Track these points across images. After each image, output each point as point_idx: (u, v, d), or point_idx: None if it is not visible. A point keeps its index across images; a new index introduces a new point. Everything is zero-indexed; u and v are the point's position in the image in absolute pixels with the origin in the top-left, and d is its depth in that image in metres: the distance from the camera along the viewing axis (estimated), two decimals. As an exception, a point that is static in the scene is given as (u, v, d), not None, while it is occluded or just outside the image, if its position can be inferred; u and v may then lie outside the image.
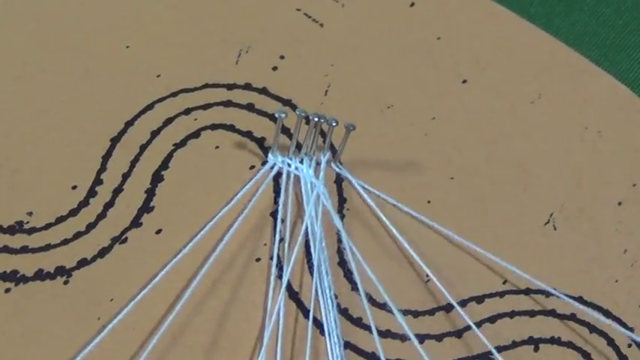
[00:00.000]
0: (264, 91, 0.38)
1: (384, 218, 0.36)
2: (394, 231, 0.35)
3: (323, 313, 0.33)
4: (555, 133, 0.39)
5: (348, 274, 0.35)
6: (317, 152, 0.36)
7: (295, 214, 0.35)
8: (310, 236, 0.34)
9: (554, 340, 0.35)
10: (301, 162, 0.36)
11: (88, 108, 0.36)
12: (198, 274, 0.33)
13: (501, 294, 0.36)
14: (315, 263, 0.34)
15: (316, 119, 0.35)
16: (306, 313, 0.34)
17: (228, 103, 0.37)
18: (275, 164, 0.36)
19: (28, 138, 0.35)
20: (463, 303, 0.35)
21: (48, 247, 0.33)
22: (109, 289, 0.33)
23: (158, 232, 0.34)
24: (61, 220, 0.34)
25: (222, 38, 0.38)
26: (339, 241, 0.35)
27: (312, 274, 0.34)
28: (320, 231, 0.34)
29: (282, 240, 0.35)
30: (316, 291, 0.33)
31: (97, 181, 0.35)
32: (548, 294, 0.36)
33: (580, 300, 0.36)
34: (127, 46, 0.38)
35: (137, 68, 0.37)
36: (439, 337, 0.35)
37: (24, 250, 0.33)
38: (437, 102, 0.39)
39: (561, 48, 0.41)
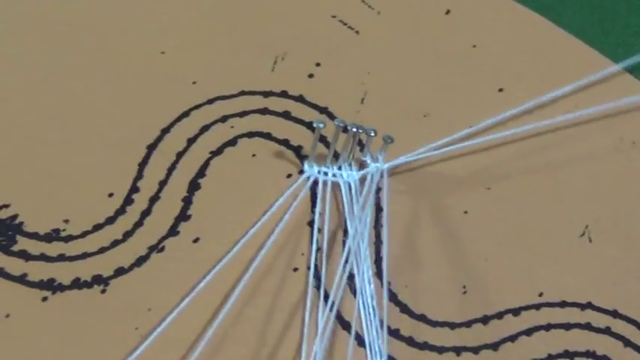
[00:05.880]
0: (300, 99, 0.37)
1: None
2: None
3: (364, 324, 0.33)
4: (590, 144, 0.39)
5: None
6: (354, 161, 0.36)
7: (333, 222, 0.35)
8: (352, 244, 0.34)
9: (589, 354, 0.35)
10: (339, 169, 0.36)
11: (124, 115, 0.36)
12: (236, 283, 0.33)
13: (537, 306, 0.35)
14: (361, 272, 0.34)
15: (354, 129, 0.34)
16: (344, 324, 0.33)
17: (264, 111, 0.37)
18: (311, 174, 0.36)
19: (65, 145, 0.35)
20: (499, 315, 0.35)
21: (85, 256, 0.33)
22: (147, 299, 0.33)
23: (195, 240, 0.34)
24: (97, 227, 0.34)
25: (258, 45, 0.38)
26: (377, 251, 0.35)
27: (349, 284, 0.34)
28: (366, 239, 0.34)
29: (319, 249, 0.34)
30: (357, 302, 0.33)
31: (134, 188, 0.34)
32: (583, 307, 0.36)
33: (614, 313, 0.36)
34: (163, 52, 0.37)
35: (173, 75, 0.37)
36: (476, 350, 0.34)
37: (61, 258, 0.33)
38: (473, 110, 0.39)
39: (597, 57, 0.41)
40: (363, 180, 0.36)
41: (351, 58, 0.39)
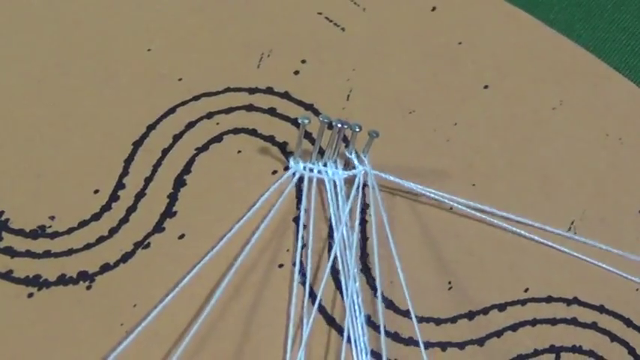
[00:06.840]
0: (286, 96, 0.37)
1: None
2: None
3: (348, 321, 0.33)
4: (577, 140, 0.39)
5: (371, 281, 0.35)
6: (339, 158, 0.36)
7: (319, 219, 0.35)
8: (337, 240, 0.34)
9: (575, 349, 0.35)
10: (324, 166, 0.36)
11: (110, 112, 0.36)
12: (221, 279, 0.33)
13: (523, 302, 0.36)
14: (347, 269, 0.34)
15: (339, 125, 0.34)
16: (329, 320, 0.34)
17: (250, 107, 0.37)
18: (297, 170, 0.36)
19: (51, 142, 0.35)
20: (485, 311, 0.35)
21: (70, 252, 0.33)
22: (132, 295, 0.33)
23: (181, 237, 0.34)
24: (83, 224, 0.34)
25: (244, 42, 0.38)
26: (363, 248, 0.35)
27: (334, 280, 0.34)
28: (351, 234, 0.34)
29: (304, 246, 0.34)
30: (343, 298, 0.33)
31: (120, 185, 0.34)
32: (569, 302, 0.36)
33: (601, 308, 0.36)
34: (149, 50, 0.37)
35: (159, 71, 0.37)
36: (461, 345, 0.34)
37: (47, 254, 0.33)
38: (459, 107, 0.39)
39: (582, 54, 0.41)
40: (349, 179, 0.36)
41: (336, 54, 0.39)
